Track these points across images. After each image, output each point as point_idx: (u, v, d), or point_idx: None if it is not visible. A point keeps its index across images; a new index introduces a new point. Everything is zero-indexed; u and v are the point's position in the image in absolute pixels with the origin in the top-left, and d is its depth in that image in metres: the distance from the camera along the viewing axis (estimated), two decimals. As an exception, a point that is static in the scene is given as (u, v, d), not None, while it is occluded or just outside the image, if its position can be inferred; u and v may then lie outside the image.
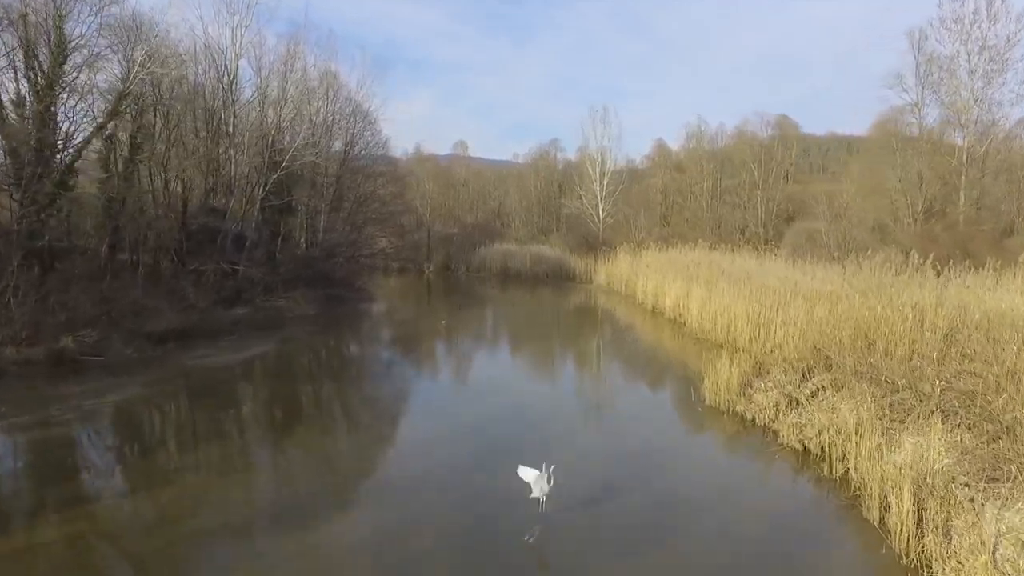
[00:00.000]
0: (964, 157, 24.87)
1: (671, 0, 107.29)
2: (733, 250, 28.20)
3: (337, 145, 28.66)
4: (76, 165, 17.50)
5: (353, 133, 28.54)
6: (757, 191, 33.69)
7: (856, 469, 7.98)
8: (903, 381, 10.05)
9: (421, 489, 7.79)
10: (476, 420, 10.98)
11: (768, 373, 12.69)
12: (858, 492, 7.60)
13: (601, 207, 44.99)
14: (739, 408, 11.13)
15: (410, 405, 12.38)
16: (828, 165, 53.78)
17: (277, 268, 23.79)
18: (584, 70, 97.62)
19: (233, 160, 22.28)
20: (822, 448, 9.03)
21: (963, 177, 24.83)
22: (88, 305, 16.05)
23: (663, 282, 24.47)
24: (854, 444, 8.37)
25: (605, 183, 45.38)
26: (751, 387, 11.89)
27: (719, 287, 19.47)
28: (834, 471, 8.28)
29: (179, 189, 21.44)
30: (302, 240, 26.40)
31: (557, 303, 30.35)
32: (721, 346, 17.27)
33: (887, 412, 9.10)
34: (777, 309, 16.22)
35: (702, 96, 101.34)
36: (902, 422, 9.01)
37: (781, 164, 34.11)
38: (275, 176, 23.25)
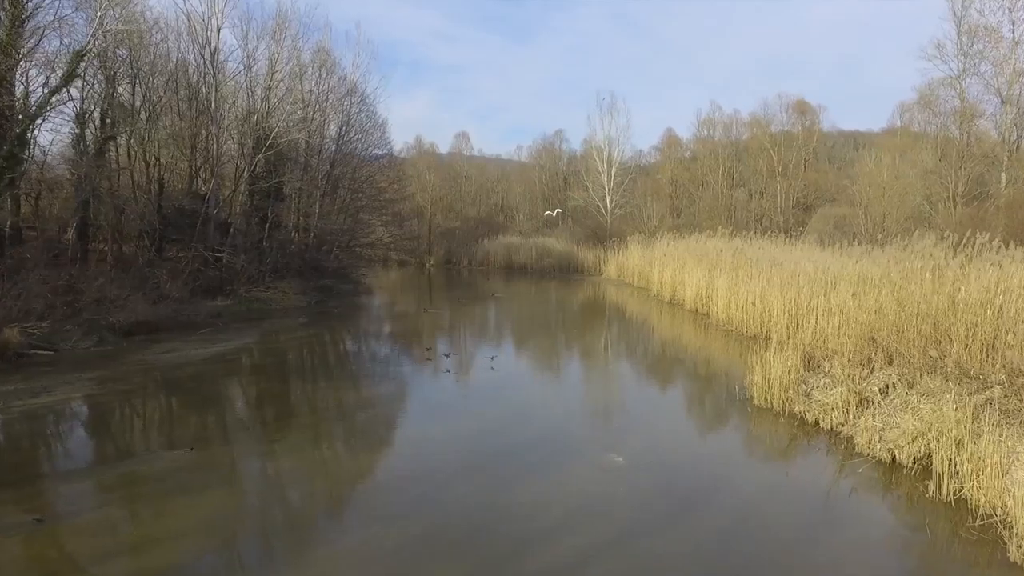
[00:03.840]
0: (1007, 134, 22.94)
1: (671, 2, 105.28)
2: (753, 238, 26.32)
3: (332, 129, 26.89)
4: (51, 148, 15.81)
5: (349, 114, 26.76)
6: (776, 178, 31.77)
7: (978, 489, 6.14)
8: (999, 377, 8.23)
9: (415, 518, 5.99)
10: (480, 438, 9.17)
11: (820, 367, 10.89)
12: (987, 521, 5.76)
13: (609, 199, 43.26)
14: (797, 408, 9.27)
15: (399, 410, 10.56)
16: (834, 158, 51.94)
17: (264, 257, 22.02)
18: (584, 72, 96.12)
19: (215, 139, 20.48)
20: (917, 459, 7.20)
21: (1005, 156, 22.90)
22: (46, 294, 14.31)
23: (681, 272, 22.62)
24: (966, 456, 6.54)
25: (613, 173, 43.73)
26: (805, 384, 10.06)
27: (746, 275, 17.63)
28: (944, 491, 6.43)
29: (157, 171, 19.68)
30: (293, 228, 24.62)
31: (566, 297, 28.50)
32: (754, 339, 15.44)
33: (982, 413, 7.29)
34: (819, 297, 14.37)
35: (703, 96, 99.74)
36: (1008, 426, 7.20)
37: (803, 148, 32.12)
38: (260, 157, 21.44)
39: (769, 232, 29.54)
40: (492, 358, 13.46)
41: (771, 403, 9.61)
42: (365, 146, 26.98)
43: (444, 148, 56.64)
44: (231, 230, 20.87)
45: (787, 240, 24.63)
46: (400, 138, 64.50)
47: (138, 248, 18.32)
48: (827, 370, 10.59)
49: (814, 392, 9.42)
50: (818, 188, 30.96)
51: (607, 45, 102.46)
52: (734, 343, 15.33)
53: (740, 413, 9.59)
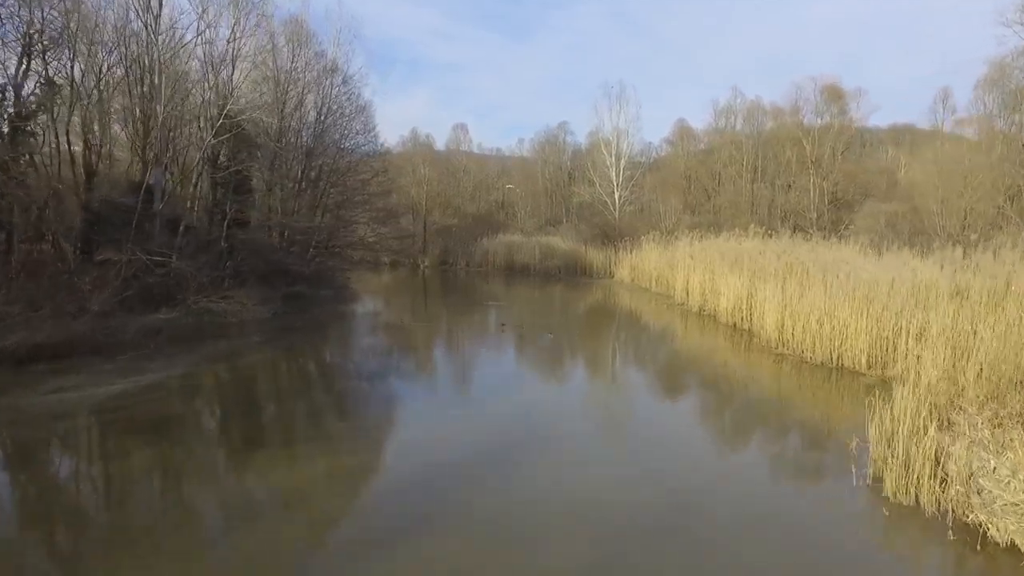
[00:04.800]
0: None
1: (670, 0, 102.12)
2: (791, 238, 22.98)
3: (310, 114, 23.57)
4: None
5: (328, 96, 23.44)
6: (809, 169, 28.43)
7: None
8: None
9: None
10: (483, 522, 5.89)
11: (951, 424, 7.64)
12: None
13: (617, 194, 40.10)
14: (979, 517, 5.86)
15: (378, 472, 7.32)
16: (849, 154, 48.68)
17: (223, 260, 18.74)
18: (583, 71, 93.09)
19: (157, 120, 17.18)
20: None
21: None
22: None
23: (712, 278, 19.35)
24: None
25: (622, 167, 40.56)
26: (949, 456, 6.79)
27: (799, 284, 14.38)
28: None
29: (87, 158, 16.41)
30: (261, 226, 21.33)
31: (575, 304, 25.24)
32: (822, 368, 12.20)
33: None
34: (912, 316, 11.14)
35: (704, 94, 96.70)
36: None
37: (838, 138, 28.74)
38: (212, 140, 18.18)
39: (801, 230, 26.29)
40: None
41: (917, 498, 6.31)
42: (347, 133, 23.65)
43: (441, 143, 53.19)
44: (180, 228, 17.57)
45: (828, 240, 21.34)
46: (397, 135, 61.47)
47: (55, 250, 15.03)
48: (967, 429, 7.33)
49: (983, 479, 6.14)
50: (856, 182, 27.70)
51: (606, 43, 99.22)
52: (802, 375, 12.05)
53: (872, 520, 6.20)
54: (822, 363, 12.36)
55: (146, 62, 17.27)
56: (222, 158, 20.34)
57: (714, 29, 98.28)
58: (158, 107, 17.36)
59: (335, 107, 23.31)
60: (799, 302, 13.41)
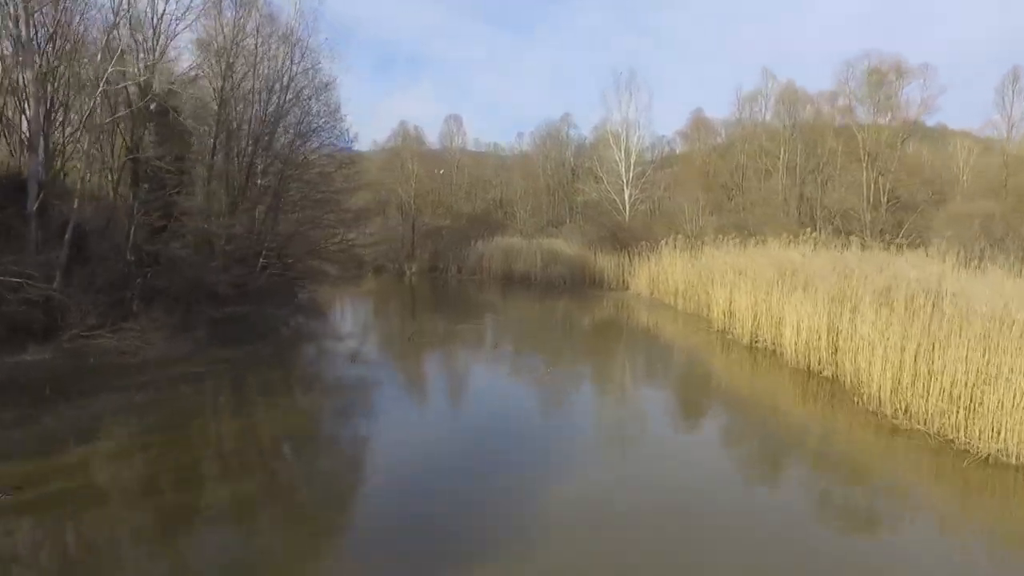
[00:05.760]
0: None
1: None
2: (844, 243, 18.51)
3: (261, 94, 19.13)
4: None
5: (282, 70, 19.02)
6: (863, 162, 23.96)
7: None
8: None
9: None
10: None
11: None
12: None
13: (627, 192, 35.79)
14: None
15: None
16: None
17: (131, 277, 14.32)
18: (582, 69, 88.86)
19: (24, 89, 12.78)
20: None
21: None
22: None
23: (768, 298, 14.94)
24: None
25: (632, 163, 36.26)
26: None
27: (915, 317, 9.97)
28: None
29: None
30: (192, 232, 16.87)
31: (585, 327, 20.87)
32: (996, 464, 7.79)
33: None
34: None
35: (704, 94, 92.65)
36: None
37: (901, 130, 23.90)
38: (134, 125, 13.85)
39: (848, 234, 21.81)
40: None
41: None
42: (305, 116, 19.20)
43: (434, 137, 48.49)
44: (67, 237, 13.14)
45: (892, 248, 16.90)
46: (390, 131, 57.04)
47: None
48: None
49: None
50: (921, 178, 23.19)
51: (605, 42, 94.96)
52: (968, 475, 7.64)
53: None
54: (994, 457, 7.93)
55: (10, 7, 12.80)
56: (146, 147, 16.04)
57: (716, 27, 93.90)
58: (26, 72, 12.93)
59: (289, 82, 18.85)
60: (938, 350, 8.98)
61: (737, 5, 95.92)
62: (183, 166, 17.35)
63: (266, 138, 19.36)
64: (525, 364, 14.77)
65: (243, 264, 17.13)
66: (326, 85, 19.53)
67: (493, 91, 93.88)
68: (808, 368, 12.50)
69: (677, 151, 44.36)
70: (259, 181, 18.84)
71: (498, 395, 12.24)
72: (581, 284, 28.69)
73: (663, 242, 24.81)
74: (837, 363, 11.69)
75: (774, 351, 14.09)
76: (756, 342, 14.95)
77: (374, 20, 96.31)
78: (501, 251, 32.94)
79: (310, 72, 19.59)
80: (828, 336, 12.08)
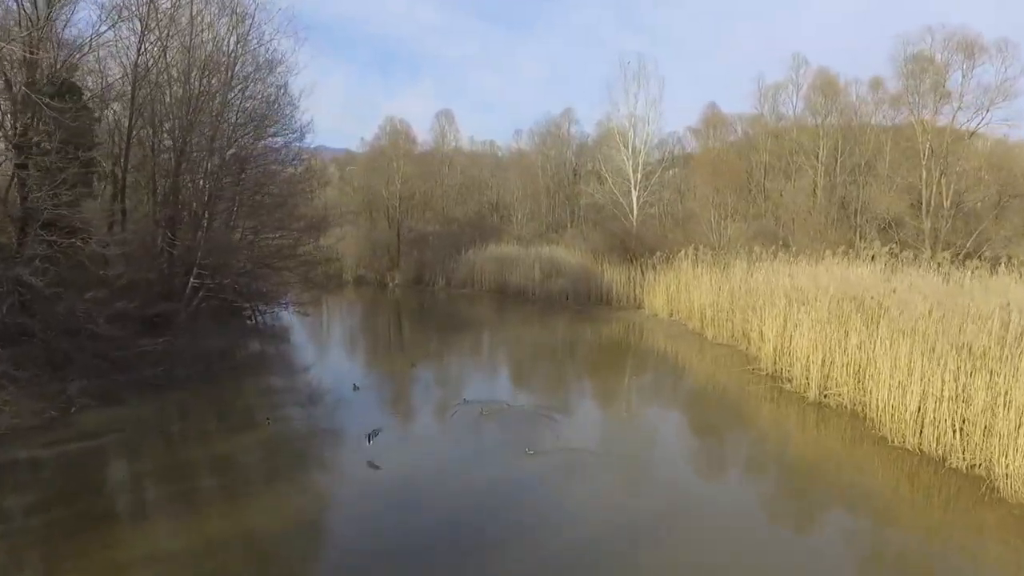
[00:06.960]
0: None
1: None
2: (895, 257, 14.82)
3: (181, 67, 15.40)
4: None
5: (222, 47, 15.30)
6: (922, 160, 20.19)
7: None
8: None
9: None
10: None
11: None
12: None
13: (635, 195, 32.12)
14: None
15: None
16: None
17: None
18: (582, 67, 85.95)
19: None
20: None
21: None
22: None
23: (846, 339, 11.20)
24: None
25: (641, 162, 32.60)
26: None
27: None
28: None
29: None
30: (96, 242, 13.08)
31: (594, 362, 17.11)
32: None
33: None
34: None
35: (706, 92, 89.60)
36: None
37: (978, 111, 19.89)
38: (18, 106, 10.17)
39: (900, 246, 18.11)
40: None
41: None
42: (243, 99, 15.46)
43: (426, 135, 44.71)
44: None
45: (970, 266, 13.23)
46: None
47: None
48: None
49: None
50: (998, 179, 19.43)
51: (600, 39, 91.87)
52: None
53: None
54: None
55: None
56: (34, 134, 12.40)
57: (714, 26, 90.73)
58: None
59: (231, 59, 15.12)
60: None
61: (733, 2, 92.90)
62: (88, 158, 13.63)
63: (207, 129, 15.64)
64: (511, 437, 10.90)
65: (155, 286, 13.34)
66: (271, 64, 15.75)
67: (489, 89, 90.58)
68: (919, 448, 8.78)
69: (687, 149, 40.93)
70: (191, 181, 15.09)
71: (454, 502, 8.49)
72: (586, 300, 24.97)
73: (682, 252, 21.16)
74: (980, 449, 7.97)
75: (857, 414, 10.37)
76: (827, 398, 11.19)
77: (366, 17, 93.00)
78: (495, 261, 29.25)
79: (259, 50, 15.88)
80: (956, 407, 8.38)
